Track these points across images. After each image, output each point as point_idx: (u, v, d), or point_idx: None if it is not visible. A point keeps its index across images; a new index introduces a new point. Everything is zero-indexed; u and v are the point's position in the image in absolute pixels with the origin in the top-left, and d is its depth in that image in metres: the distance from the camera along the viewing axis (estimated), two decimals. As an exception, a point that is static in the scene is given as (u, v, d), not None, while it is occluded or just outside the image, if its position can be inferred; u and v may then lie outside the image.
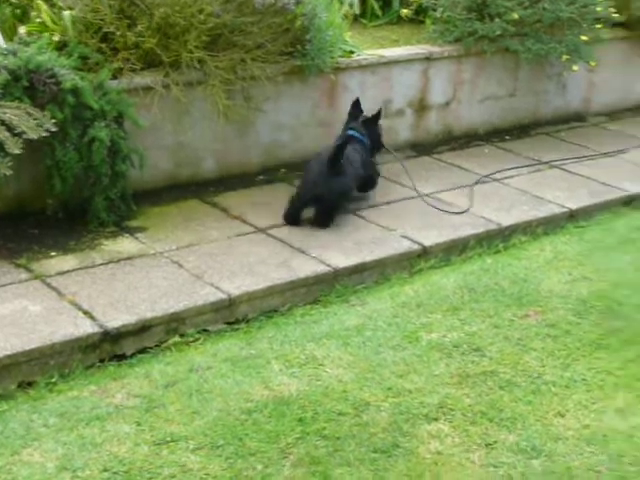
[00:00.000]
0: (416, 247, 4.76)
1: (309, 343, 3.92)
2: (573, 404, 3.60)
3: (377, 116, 5.34)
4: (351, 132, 5.21)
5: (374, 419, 3.43)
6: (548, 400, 3.61)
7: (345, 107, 5.62)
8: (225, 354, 3.82)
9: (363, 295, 4.42)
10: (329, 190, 4.77)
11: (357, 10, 6.27)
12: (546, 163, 6.07)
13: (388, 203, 5.26)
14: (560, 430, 3.43)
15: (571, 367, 3.84)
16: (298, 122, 5.59)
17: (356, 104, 5.33)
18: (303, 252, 4.56)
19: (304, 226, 4.86)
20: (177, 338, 3.95)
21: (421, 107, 6.12)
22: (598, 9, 6.29)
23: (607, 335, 4.10)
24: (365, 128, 5.28)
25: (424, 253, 4.76)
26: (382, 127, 5.45)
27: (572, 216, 5.39)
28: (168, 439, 3.25)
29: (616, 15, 6.61)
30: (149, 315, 3.90)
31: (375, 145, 5.36)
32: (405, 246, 4.75)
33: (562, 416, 3.52)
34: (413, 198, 5.36)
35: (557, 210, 5.37)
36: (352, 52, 5.67)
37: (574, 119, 7.05)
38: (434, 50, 6.10)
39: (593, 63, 6.50)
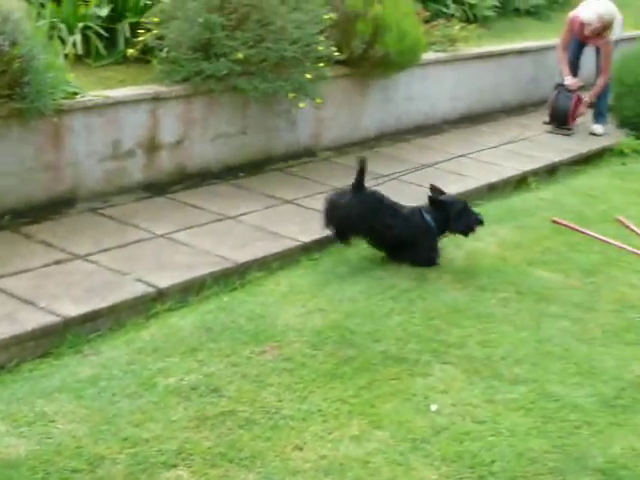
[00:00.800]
0: (151, 290, 4.67)
1: (39, 399, 3.72)
2: (310, 436, 3.64)
3: (434, 202, 5.43)
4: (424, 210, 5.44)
5: (110, 473, 3.31)
6: (286, 434, 3.64)
7: (72, 149, 5.47)
8: (-56, 420, 3.55)
9: (97, 344, 4.27)
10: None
11: (80, 50, 6.11)
12: (280, 199, 6.19)
13: (121, 246, 5.14)
14: (298, 463, 3.46)
15: (308, 399, 3.90)
16: (22, 167, 5.34)
17: (433, 188, 5.53)
18: (31, 303, 4.34)
19: (34, 277, 4.66)
20: None
21: (152, 147, 6.05)
22: (320, 48, 6.50)
23: (341, 364, 4.19)
24: (434, 210, 5.43)
25: (160, 296, 4.68)
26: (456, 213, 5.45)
27: (306, 249, 5.51)
28: None
29: (337, 54, 6.87)
30: None
31: (440, 227, 5.44)
32: (140, 290, 4.65)
33: (300, 449, 3.55)
34: (147, 240, 5.28)
35: (291, 244, 5.47)
36: (76, 93, 5.51)
37: (305, 154, 7.25)
38: (162, 90, 6.06)
39: (319, 100, 6.71)
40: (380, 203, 5.40)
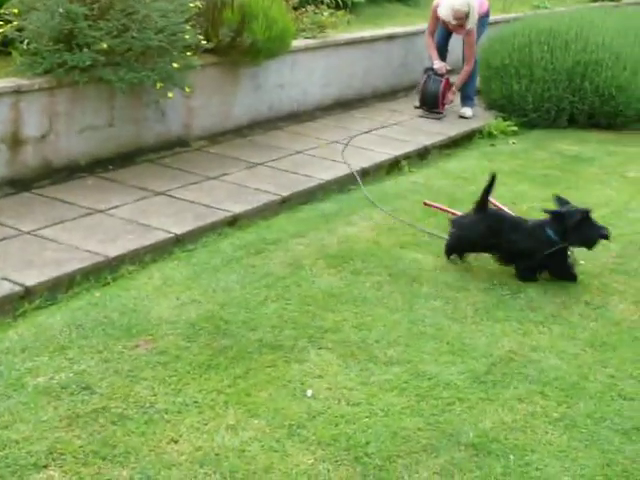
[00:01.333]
0: (18, 288, 4.53)
1: None
2: (186, 428, 3.60)
3: (551, 215, 5.26)
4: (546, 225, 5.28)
5: (-23, 478, 3.21)
6: (161, 428, 3.59)
7: None
8: None
9: (-38, 346, 4.13)
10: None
11: None
12: (151, 191, 6.10)
13: (-16, 245, 4.99)
14: (174, 456, 3.42)
15: (182, 392, 3.85)
16: None
17: (558, 199, 5.35)
18: None
19: None
20: None
21: (15, 142, 5.86)
22: (187, 37, 6.42)
23: (216, 355, 4.16)
24: (556, 223, 5.23)
25: (27, 294, 4.55)
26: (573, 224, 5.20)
27: (179, 241, 5.44)
28: None
29: (205, 42, 6.81)
30: None
31: (561, 237, 5.23)
32: (6, 288, 4.51)
33: (175, 442, 3.51)
34: (13, 237, 5.13)
35: (164, 236, 5.39)
36: None
37: (178, 145, 7.16)
38: (23, 83, 5.87)
39: (188, 89, 6.62)
40: (501, 222, 5.37)
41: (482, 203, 5.39)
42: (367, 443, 3.58)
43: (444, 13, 8.75)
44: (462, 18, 8.73)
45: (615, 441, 3.74)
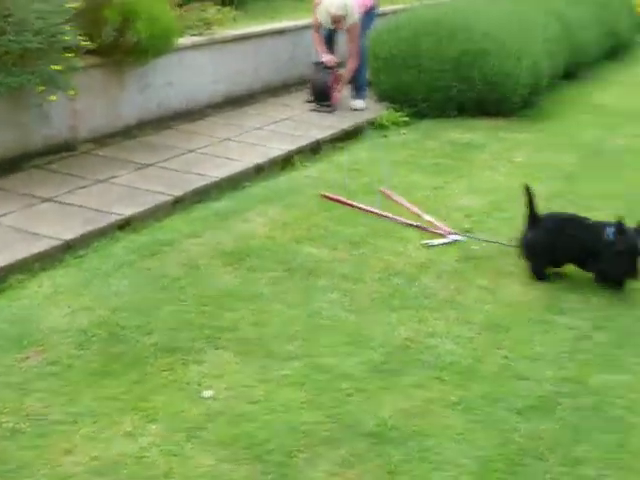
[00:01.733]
0: None
1: None
2: (81, 438, 3.52)
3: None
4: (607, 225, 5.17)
5: None
6: (55, 440, 3.49)
7: None
8: None
9: None
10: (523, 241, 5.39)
11: None
12: (39, 197, 5.93)
13: None
14: (69, 468, 3.34)
15: (76, 401, 3.76)
16: None
17: None
18: None
19: None
20: None
21: None
22: (66, 38, 6.25)
23: (110, 361, 4.07)
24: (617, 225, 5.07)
25: None
26: None
27: (69, 247, 5.30)
28: None
29: (88, 43, 6.64)
30: None
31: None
32: None
33: (70, 453, 3.43)
34: None
35: (53, 243, 5.25)
36: None
37: (64, 149, 6.98)
38: None
39: (72, 92, 6.46)
40: (557, 221, 5.29)
41: (532, 214, 5.31)
42: (267, 440, 3.56)
43: (323, 18, 8.84)
44: (340, 21, 8.82)
45: (511, 420, 3.80)
